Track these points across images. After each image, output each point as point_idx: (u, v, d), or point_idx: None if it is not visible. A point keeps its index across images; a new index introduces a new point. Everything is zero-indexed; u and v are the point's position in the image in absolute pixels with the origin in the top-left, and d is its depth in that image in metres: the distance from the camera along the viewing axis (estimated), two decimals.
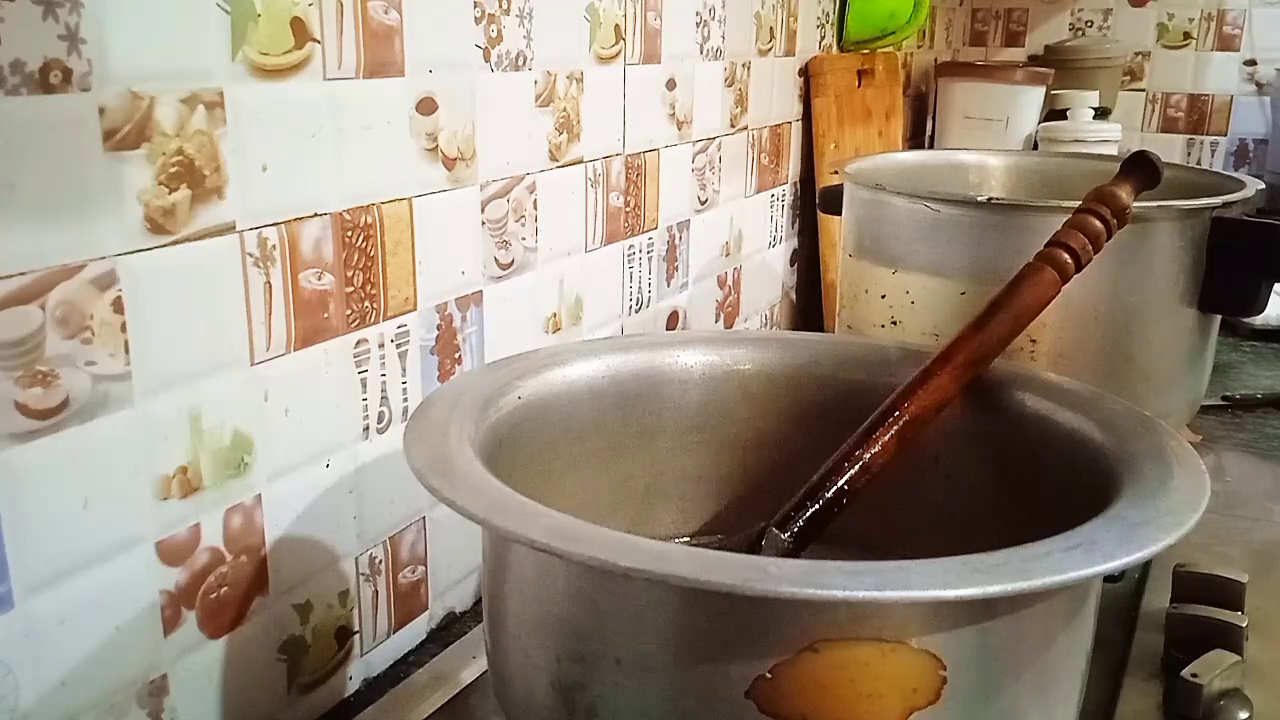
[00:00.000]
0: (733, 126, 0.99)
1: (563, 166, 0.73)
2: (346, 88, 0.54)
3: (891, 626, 0.34)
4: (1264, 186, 0.74)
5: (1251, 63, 1.65)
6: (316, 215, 0.53)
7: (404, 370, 0.61)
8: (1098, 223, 0.53)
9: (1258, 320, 1.22)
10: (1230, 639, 0.58)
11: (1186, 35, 1.69)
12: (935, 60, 1.68)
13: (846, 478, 0.48)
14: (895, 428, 0.49)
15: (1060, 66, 1.61)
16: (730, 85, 0.97)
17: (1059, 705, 0.40)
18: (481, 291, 0.67)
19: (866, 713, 0.35)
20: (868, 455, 0.48)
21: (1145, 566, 0.68)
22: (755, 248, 1.10)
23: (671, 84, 0.86)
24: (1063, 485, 0.47)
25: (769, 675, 0.34)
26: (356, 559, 0.60)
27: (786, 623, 0.34)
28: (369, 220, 0.57)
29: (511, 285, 0.69)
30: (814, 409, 0.57)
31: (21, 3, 0.39)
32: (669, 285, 0.92)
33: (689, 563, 0.33)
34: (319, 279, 0.54)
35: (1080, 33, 1.75)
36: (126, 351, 0.45)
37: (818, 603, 0.33)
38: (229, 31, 0.47)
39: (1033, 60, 1.73)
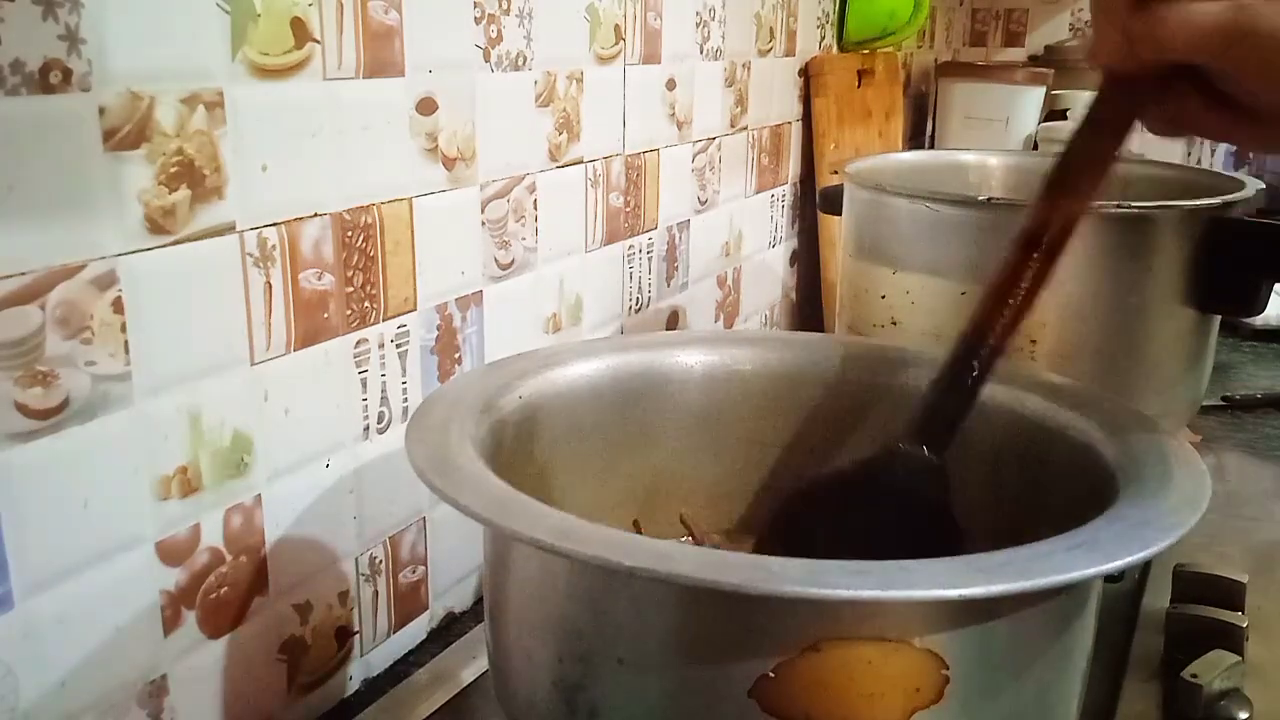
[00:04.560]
0: (733, 126, 0.99)
1: (563, 166, 0.73)
2: (346, 88, 0.54)
3: (894, 626, 0.34)
4: (1264, 186, 0.74)
5: None
6: (316, 215, 0.53)
7: (404, 370, 0.61)
8: None
9: (1258, 320, 1.22)
10: (1230, 639, 0.58)
11: None
12: (935, 60, 1.68)
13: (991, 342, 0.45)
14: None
15: (1060, 66, 1.62)
16: (730, 85, 0.97)
17: (1060, 704, 0.40)
18: (481, 291, 0.66)
19: (869, 712, 0.35)
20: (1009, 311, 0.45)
21: (1145, 566, 0.68)
22: (755, 248, 1.10)
23: (671, 84, 0.86)
24: (1063, 485, 0.47)
25: (771, 674, 0.34)
26: (356, 559, 0.60)
27: (789, 622, 0.34)
28: (369, 220, 0.57)
29: (511, 285, 0.69)
30: (814, 409, 0.57)
31: (21, 3, 0.39)
32: (669, 285, 0.92)
33: (692, 562, 0.33)
34: (319, 279, 0.54)
35: (1080, 33, 1.75)
36: (126, 351, 0.45)
37: (821, 602, 0.33)
38: (229, 31, 0.47)
39: (1033, 60, 1.73)
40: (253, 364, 0.51)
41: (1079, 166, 0.45)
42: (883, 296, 0.74)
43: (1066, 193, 0.45)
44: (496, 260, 0.67)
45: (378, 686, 0.62)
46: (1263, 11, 0.38)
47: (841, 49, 1.24)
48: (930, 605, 0.34)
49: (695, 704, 0.36)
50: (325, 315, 0.55)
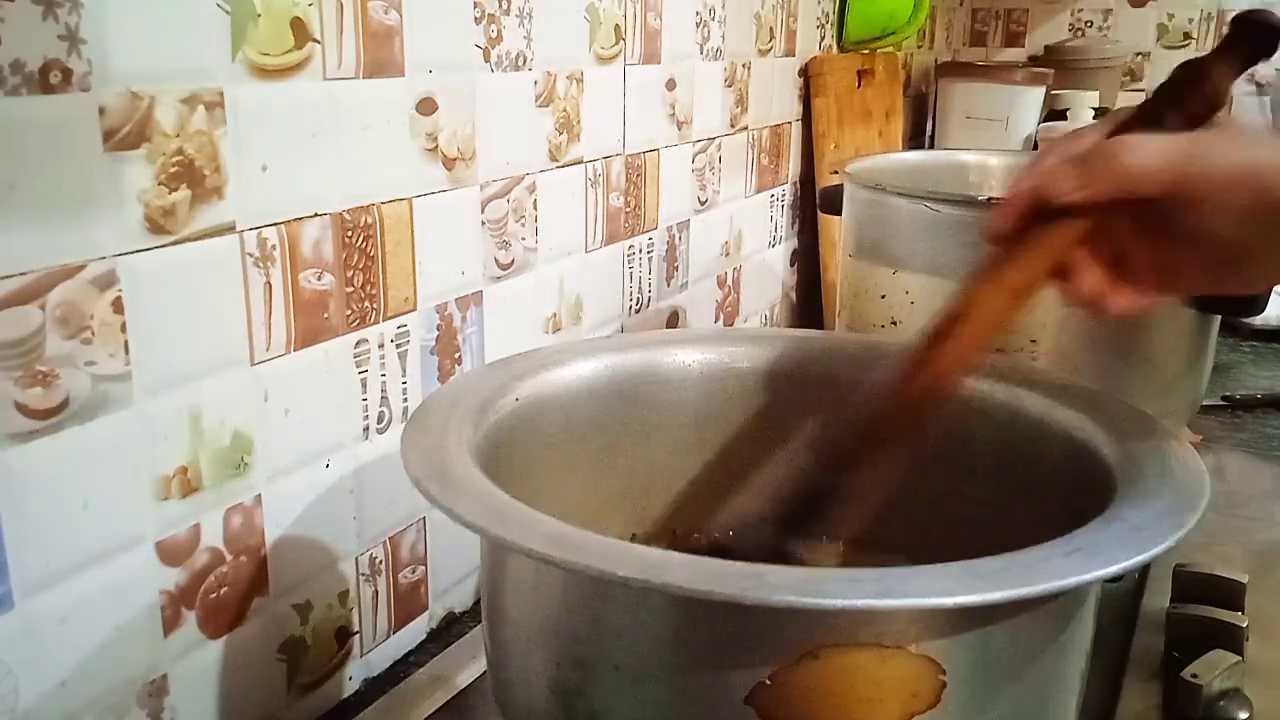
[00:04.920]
0: (733, 126, 0.99)
1: (563, 166, 0.73)
2: (346, 88, 0.54)
3: (891, 632, 0.34)
4: None
5: None
6: (316, 215, 0.53)
7: (404, 370, 0.61)
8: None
9: (1258, 320, 1.22)
10: (1230, 639, 0.58)
11: (1186, 35, 1.69)
12: (935, 61, 1.67)
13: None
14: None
15: (1060, 67, 1.61)
16: (730, 85, 0.97)
17: (1058, 707, 0.40)
18: (481, 291, 0.66)
19: (867, 718, 0.35)
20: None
21: (1145, 567, 0.68)
22: (755, 248, 1.09)
23: (671, 84, 0.86)
24: (1063, 485, 0.47)
25: (769, 681, 0.34)
26: (356, 559, 0.60)
27: (786, 629, 0.34)
28: (369, 220, 0.57)
29: (511, 285, 0.69)
30: (813, 408, 0.57)
31: (21, 3, 0.39)
32: (669, 285, 0.92)
33: (687, 572, 0.33)
34: (319, 279, 0.54)
35: (1080, 33, 1.75)
36: (126, 351, 0.45)
37: (817, 610, 0.33)
38: (229, 31, 0.47)
39: (1033, 60, 1.73)
40: (253, 364, 0.51)
41: (971, 316, 0.44)
42: (883, 296, 0.74)
43: (953, 341, 0.44)
44: (496, 260, 0.67)
45: (378, 686, 0.62)
46: (1216, 146, 0.40)
47: (841, 49, 1.24)
48: (927, 612, 0.34)
49: (693, 711, 0.36)
50: (325, 315, 0.55)
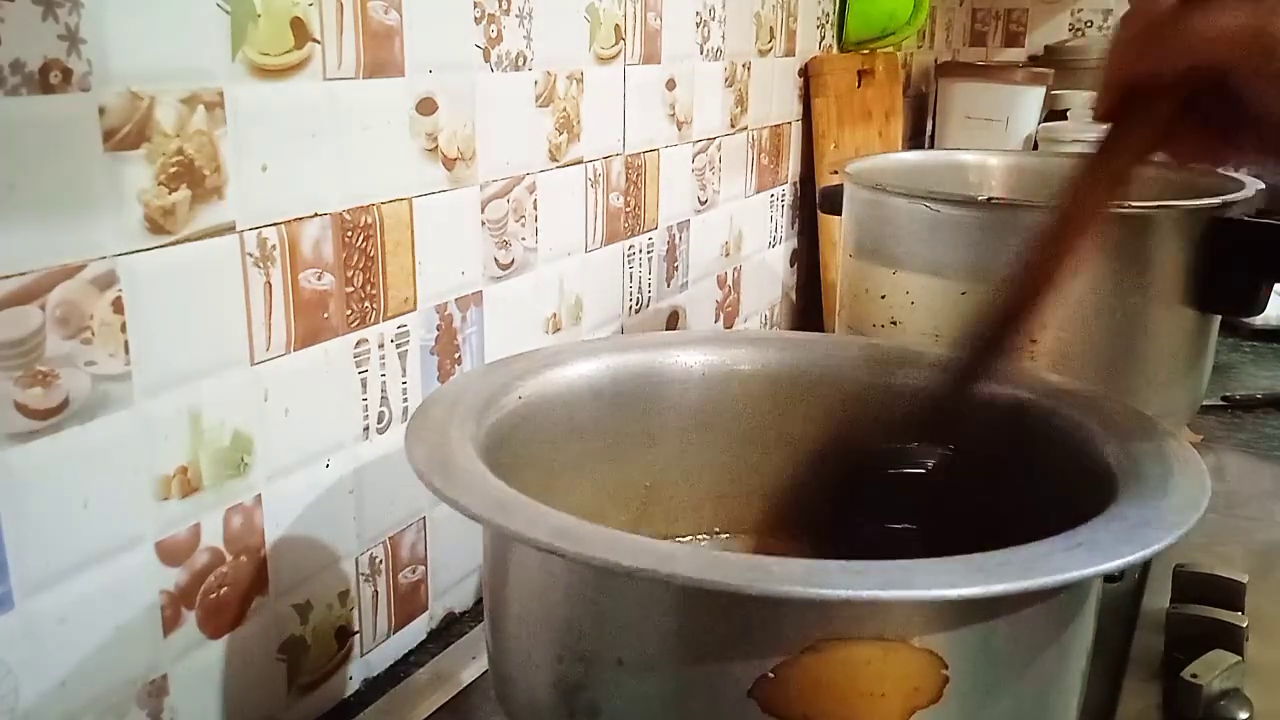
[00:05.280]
0: (733, 126, 0.99)
1: (563, 166, 0.73)
2: (346, 88, 0.54)
3: (893, 626, 0.34)
4: (1264, 186, 0.74)
5: None
6: (316, 215, 0.53)
7: (404, 370, 0.61)
8: None
9: (1258, 320, 1.22)
10: (1230, 639, 0.58)
11: None
12: (935, 61, 1.68)
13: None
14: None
15: (1060, 66, 1.62)
16: (730, 85, 0.97)
17: (1059, 704, 0.40)
18: (481, 291, 0.66)
19: (868, 712, 0.35)
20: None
21: (1145, 566, 0.68)
22: (755, 248, 1.10)
23: (671, 84, 0.86)
24: (1063, 485, 0.47)
25: (771, 675, 0.34)
26: (356, 559, 0.60)
27: (789, 622, 0.34)
28: (369, 220, 0.57)
29: (511, 285, 0.69)
30: (814, 409, 0.57)
31: (21, 3, 0.39)
32: (669, 285, 0.92)
33: (692, 562, 0.33)
34: (319, 279, 0.54)
35: (1080, 33, 1.75)
36: (126, 351, 0.45)
37: (820, 602, 0.33)
38: (229, 31, 0.47)
39: (1033, 60, 1.73)
40: (253, 364, 0.51)
41: (1090, 192, 0.45)
42: (883, 296, 0.74)
43: (1078, 216, 0.45)
44: (496, 260, 0.67)
45: (378, 686, 0.62)
46: None
47: (841, 49, 1.24)
48: (929, 605, 0.34)
49: (695, 704, 0.36)
50: (325, 315, 0.55)
